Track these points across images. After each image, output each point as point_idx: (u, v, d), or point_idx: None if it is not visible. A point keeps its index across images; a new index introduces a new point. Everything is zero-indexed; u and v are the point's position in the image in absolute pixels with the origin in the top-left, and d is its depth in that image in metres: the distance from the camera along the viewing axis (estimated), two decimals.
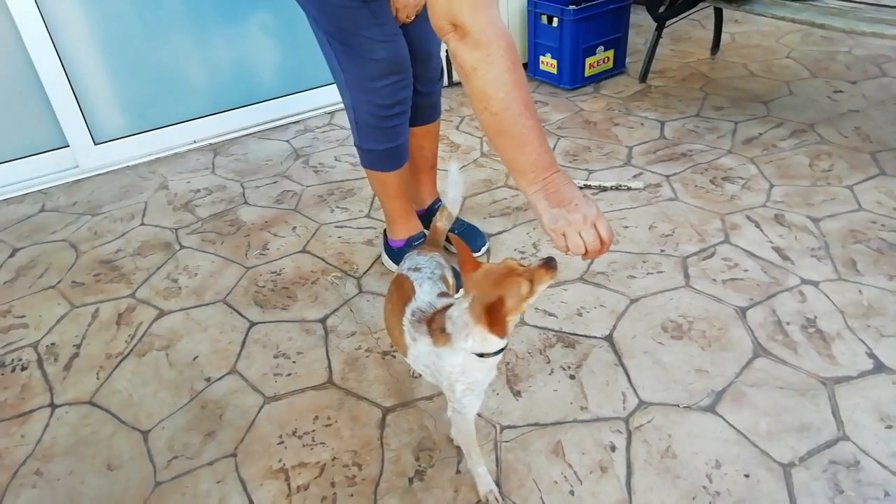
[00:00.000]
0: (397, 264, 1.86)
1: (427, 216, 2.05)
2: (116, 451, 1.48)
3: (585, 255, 1.08)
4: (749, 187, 2.29)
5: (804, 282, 1.84)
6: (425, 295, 1.20)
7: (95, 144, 2.68)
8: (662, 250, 2.00)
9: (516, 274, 1.03)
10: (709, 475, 1.34)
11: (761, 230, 2.06)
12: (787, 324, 1.70)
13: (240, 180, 2.58)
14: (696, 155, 2.53)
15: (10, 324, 1.89)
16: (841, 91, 2.96)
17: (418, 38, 1.68)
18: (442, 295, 1.22)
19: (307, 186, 2.49)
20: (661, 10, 3.09)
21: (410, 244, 1.90)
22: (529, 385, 1.58)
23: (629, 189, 2.33)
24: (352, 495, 1.35)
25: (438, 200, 2.08)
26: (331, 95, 3.08)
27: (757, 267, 1.91)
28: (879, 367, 1.55)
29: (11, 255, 2.20)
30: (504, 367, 1.63)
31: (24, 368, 1.72)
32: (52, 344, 1.80)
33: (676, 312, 1.76)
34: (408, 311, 1.19)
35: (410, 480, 1.38)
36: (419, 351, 1.16)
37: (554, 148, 2.63)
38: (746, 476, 1.34)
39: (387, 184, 1.83)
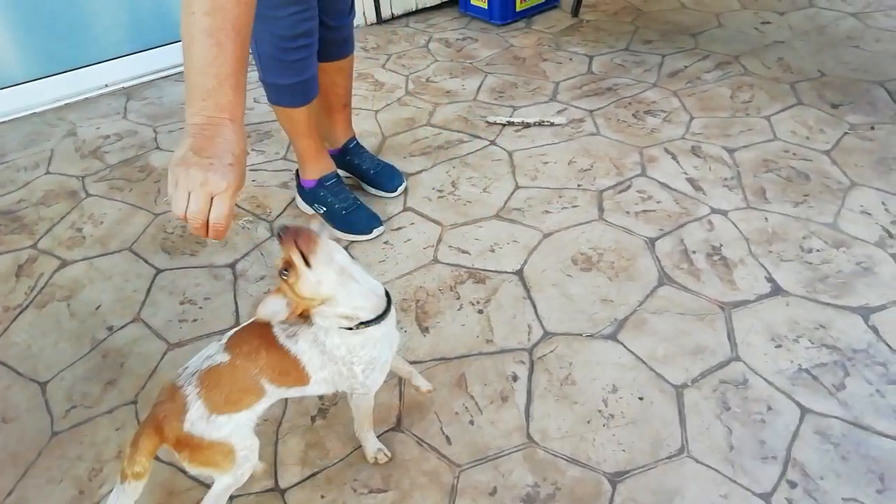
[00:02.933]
0: (310, 205, 1.83)
1: (341, 156, 2.01)
2: (12, 403, 1.44)
3: (184, 219, 0.87)
4: (670, 120, 2.29)
5: (714, 211, 1.86)
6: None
7: None
8: (579, 185, 2.00)
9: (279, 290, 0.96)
10: (605, 399, 1.38)
11: (677, 162, 2.08)
12: (694, 252, 1.73)
13: (152, 125, 2.47)
14: (622, 89, 2.51)
15: None
16: (769, 22, 2.96)
17: None
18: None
19: None
20: None
21: (322, 184, 1.85)
22: (438, 321, 1.58)
23: (552, 125, 2.31)
24: None
25: (353, 140, 2.01)
26: None
27: (670, 198, 1.93)
28: (776, 291, 1.60)
29: None
30: (413, 305, 1.62)
31: None
32: None
33: (588, 245, 1.77)
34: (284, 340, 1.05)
35: (313, 419, 1.38)
36: (307, 352, 1.04)
37: (480, 86, 2.58)
38: (640, 399, 1.37)
39: (295, 120, 1.74)
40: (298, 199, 1.94)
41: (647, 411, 1.35)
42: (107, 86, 2.75)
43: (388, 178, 1.99)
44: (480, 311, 1.60)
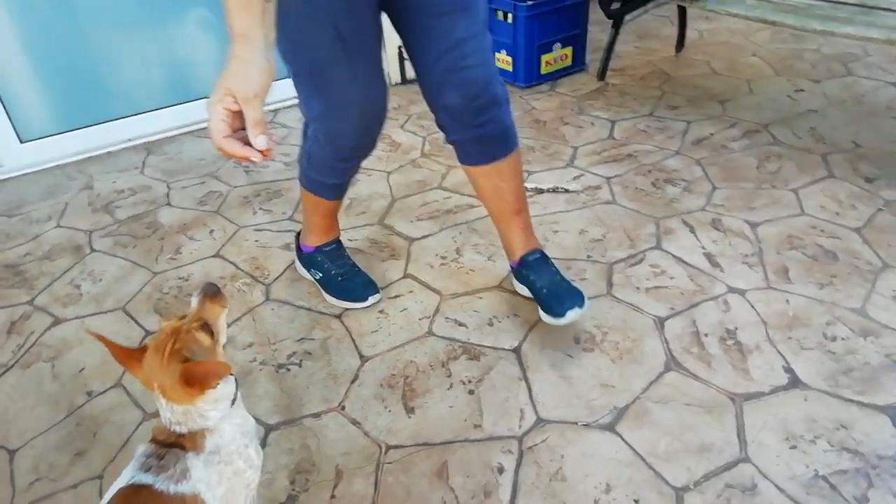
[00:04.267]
0: (307, 270, 1.78)
1: (519, 269, 1.68)
2: None
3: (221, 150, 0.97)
4: (690, 190, 2.20)
5: (731, 290, 1.75)
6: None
7: (21, 143, 2.59)
8: (589, 256, 1.91)
9: (182, 332, 0.88)
10: (597, 500, 1.25)
11: (695, 235, 1.97)
12: (706, 335, 1.61)
13: (167, 180, 2.49)
14: (642, 156, 2.43)
15: None
16: (802, 90, 2.87)
17: (447, 60, 1.31)
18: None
19: (234, 187, 2.40)
20: (615, 5, 3.00)
21: (321, 250, 1.80)
22: (425, 401, 1.49)
23: (566, 191, 2.24)
24: None
25: (535, 252, 1.64)
26: (277, 93, 2.98)
27: (684, 274, 1.82)
28: (794, 383, 1.46)
29: None
30: (402, 381, 1.54)
31: None
32: None
33: (592, 322, 1.67)
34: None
35: None
36: (204, 478, 0.90)
37: None
38: (636, 501, 1.25)
39: (319, 206, 1.71)
40: (297, 263, 1.89)
41: None
42: (129, 140, 2.80)
43: (558, 300, 1.54)
44: (471, 392, 1.50)
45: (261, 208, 2.26)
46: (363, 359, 1.61)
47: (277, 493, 1.31)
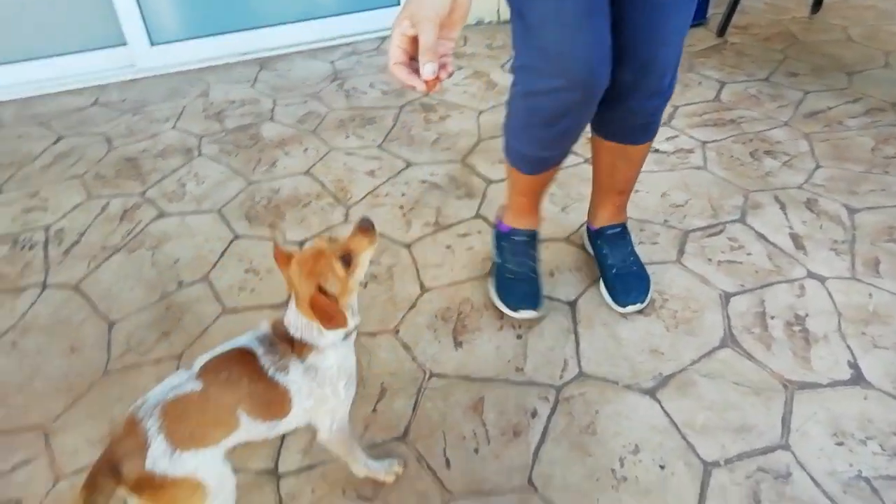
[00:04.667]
0: (497, 250, 1.68)
1: (594, 237, 1.67)
2: (82, 336, 1.61)
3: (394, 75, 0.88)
4: (791, 165, 2.07)
5: (810, 275, 1.67)
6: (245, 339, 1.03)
7: (152, 45, 2.79)
8: (666, 221, 1.87)
9: (325, 256, 0.95)
10: (622, 459, 1.29)
11: (785, 213, 1.88)
12: (772, 317, 1.56)
13: (273, 96, 2.62)
14: (746, 123, 2.30)
15: (34, 205, 2.05)
16: None
17: (639, 34, 1.22)
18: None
19: (333, 109, 2.50)
20: None
21: (510, 236, 1.64)
22: (474, 338, 1.55)
23: (656, 151, 2.17)
24: None
25: (618, 227, 1.64)
26: (385, 20, 3.03)
27: (763, 252, 1.75)
28: (857, 380, 1.41)
29: (55, 143, 2.37)
30: (455, 316, 1.61)
31: (31, 248, 1.88)
32: (61, 229, 1.94)
33: (655, 288, 1.65)
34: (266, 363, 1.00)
35: None
36: (298, 382, 1.00)
37: None
38: (661, 467, 1.27)
39: (517, 182, 1.53)
40: (492, 239, 1.75)
41: (664, 483, 1.25)
42: (246, 53, 2.94)
43: (624, 288, 1.56)
44: (519, 337, 1.55)
45: (353, 133, 2.35)
46: (423, 289, 1.68)
47: None
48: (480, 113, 2.43)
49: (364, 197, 2.02)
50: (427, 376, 1.46)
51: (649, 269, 1.69)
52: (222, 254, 1.83)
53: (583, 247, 1.79)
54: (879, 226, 1.81)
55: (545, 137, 1.34)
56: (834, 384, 1.40)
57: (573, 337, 1.54)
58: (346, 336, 1.03)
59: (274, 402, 1.00)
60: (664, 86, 1.32)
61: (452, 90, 2.58)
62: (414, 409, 1.40)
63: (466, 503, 1.23)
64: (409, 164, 2.16)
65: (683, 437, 1.32)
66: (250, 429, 0.99)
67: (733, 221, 1.86)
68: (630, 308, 1.56)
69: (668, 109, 2.36)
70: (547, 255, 1.77)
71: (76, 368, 1.52)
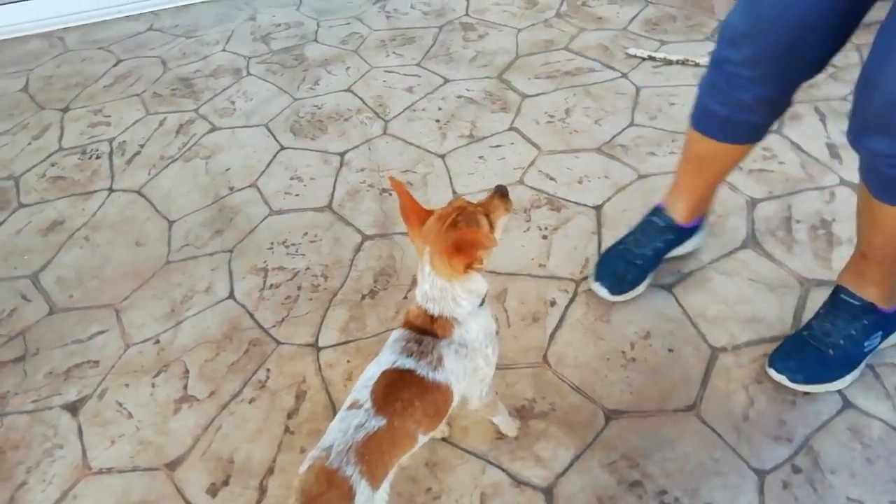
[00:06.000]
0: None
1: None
2: (146, 232, 1.77)
3: None
4: (836, 77, 2.03)
5: (843, 182, 1.68)
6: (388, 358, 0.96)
7: None
8: None
9: (469, 209, 0.93)
10: (633, 343, 1.37)
11: (823, 124, 1.86)
12: (798, 222, 1.59)
13: (317, 18, 2.69)
14: None
15: (99, 121, 2.22)
16: None
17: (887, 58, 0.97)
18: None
19: (374, 30, 2.56)
20: None
21: (649, 213, 1.49)
22: (502, 238, 1.62)
23: (696, 65, 2.16)
24: (311, 299, 1.54)
25: (854, 299, 1.26)
26: None
27: (796, 161, 1.76)
28: None
29: (115, 65, 2.52)
30: None
31: (97, 157, 2.05)
32: (123, 142, 2.10)
33: None
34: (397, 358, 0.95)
35: (363, 297, 1.54)
36: (454, 369, 0.96)
37: (637, 15, 2.45)
38: (670, 350, 1.35)
39: (691, 143, 1.37)
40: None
41: (671, 364, 1.33)
42: None
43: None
44: (545, 237, 1.63)
45: (394, 52, 2.41)
46: (455, 195, 1.77)
47: (363, 286, 1.56)
48: (519, 31, 2.44)
49: (402, 112, 2.10)
50: None
51: None
52: (269, 163, 1.95)
53: (613, 156, 1.83)
54: None
55: (732, 100, 1.21)
56: None
57: (596, 238, 1.61)
58: (482, 303, 0.99)
59: (441, 404, 0.97)
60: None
61: (493, 9, 2.59)
62: None
63: None
64: (446, 81, 2.21)
65: (694, 326, 1.39)
66: (420, 444, 0.97)
67: (769, 132, 1.85)
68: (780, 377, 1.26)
69: (711, 24, 2.33)
70: (576, 164, 1.83)
71: (141, 259, 1.69)
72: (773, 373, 1.26)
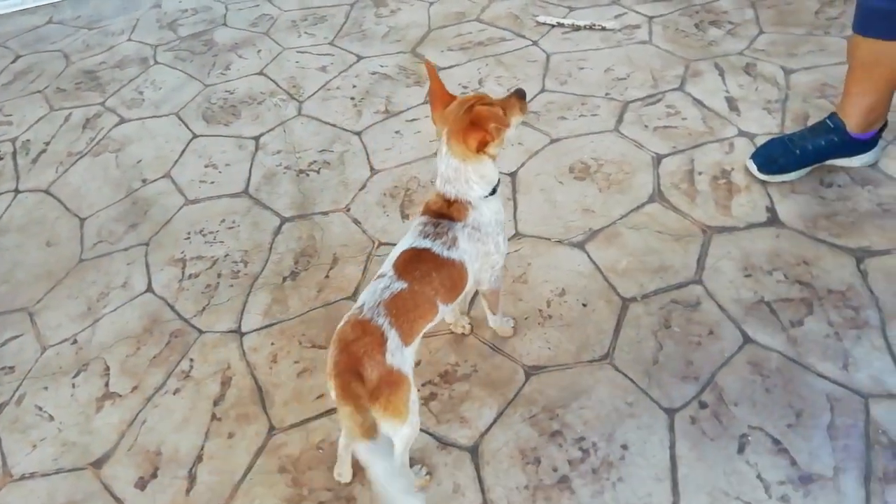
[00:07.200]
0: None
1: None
2: (57, 232, 1.72)
3: None
4: (734, 33, 2.11)
5: (741, 134, 1.76)
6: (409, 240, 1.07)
7: None
8: (607, 94, 1.94)
9: (488, 98, 1.01)
10: (549, 300, 1.42)
11: (723, 79, 1.94)
12: (699, 173, 1.66)
13: (226, 2, 2.63)
14: None
15: None
16: None
17: None
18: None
19: (285, 11, 2.51)
20: None
21: (834, 115, 1.55)
22: (418, 211, 1.65)
23: (602, 29, 2.21)
24: (231, 286, 1.53)
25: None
26: None
27: (698, 116, 1.83)
28: (772, 221, 1.52)
29: (13, 61, 2.41)
30: (402, 193, 1.71)
31: (0, 159, 1.97)
32: (27, 140, 2.03)
33: (591, 155, 1.75)
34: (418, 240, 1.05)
35: (284, 279, 1.54)
36: (467, 249, 1.06)
37: None
38: (584, 305, 1.40)
39: (854, 50, 1.43)
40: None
41: (586, 317, 1.38)
42: None
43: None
44: None
45: (306, 32, 2.38)
46: (373, 171, 1.78)
47: (283, 269, 1.56)
48: (431, 5, 2.45)
49: (316, 92, 2.09)
50: (376, 245, 1.58)
51: (587, 139, 1.77)
52: (182, 152, 1.92)
53: (525, 123, 1.86)
54: (813, 84, 1.88)
55: None
56: (750, 227, 1.51)
57: (511, 203, 1.65)
58: (494, 191, 1.08)
59: (457, 279, 1.06)
60: None
61: None
62: (363, 273, 1.52)
63: None
64: (360, 58, 2.21)
65: (606, 280, 1.45)
66: (442, 313, 1.06)
67: (672, 90, 1.93)
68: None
69: None
70: None
71: (53, 259, 1.64)
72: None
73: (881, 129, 1.56)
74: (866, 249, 1.43)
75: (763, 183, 1.60)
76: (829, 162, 1.60)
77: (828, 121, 1.57)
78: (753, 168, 1.61)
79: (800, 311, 1.34)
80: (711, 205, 1.58)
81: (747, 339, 1.31)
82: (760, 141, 1.72)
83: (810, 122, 1.74)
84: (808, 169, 1.59)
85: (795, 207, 1.54)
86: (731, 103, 1.85)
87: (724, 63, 2.00)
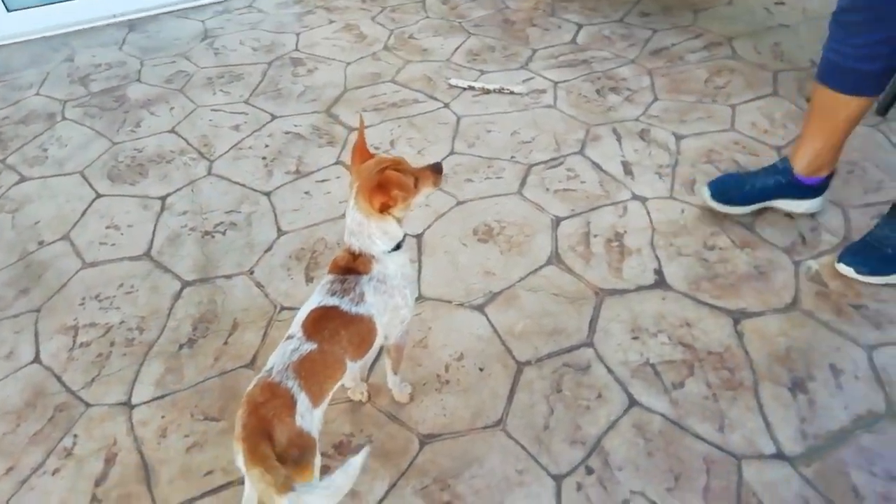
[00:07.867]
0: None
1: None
2: None
3: None
4: (632, 100, 2.24)
5: (634, 197, 1.85)
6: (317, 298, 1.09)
7: (8, 11, 2.72)
8: (513, 157, 2.02)
9: (404, 164, 1.07)
10: (448, 365, 1.44)
11: (619, 144, 2.05)
12: (595, 236, 1.74)
13: (141, 57, 2.61)
14: (597, 62, 2.46)
15: None
16: (783, 3, 2.79)
17: None
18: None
19: (201, 68, 2.52)
20: None
21: (784, 159, 1.69)
22: (325, 272, 1.66)
23: (511, 93, 2.31)
24: (124, 354, 1.49)
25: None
26: None
27: (596, 179, 1.92)
28: (659, 284, 1.60)
29: None
30: (308, 255, 1.72)
31: None
32: None
33: (494, 217, 1.80)
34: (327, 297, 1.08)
35: (181, 346, 1.51)
36: (374, 303, 1.09)
37: (459, 47, 2.58)
38: (481, 369, 1.43)
39: (813, 96, 1.57)
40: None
41: (482, 382, 1.41)
42: (114, 16, 2.89)
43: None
44: None
45: (221, 90, 2.38)
46: (280, 232, 1.78)
47: (180, 335, 1.53)
48: (348, 65, 2.50)
49: (228, 151, 2.09)
50: (277, 310, 1.57)
51: (492, 202, 1.84)
52: (84, 213, 1.87)
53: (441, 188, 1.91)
54: (700, 150, 2.01)
55: (874, 49, 1.40)
56: (639, 289, 1.59)
57: (417, 265, 1.68)
58: (397, 246, 1.11)
59: (365, 334, 1.09)
60: None
61: (322, 44, 2.64)
62: (263, 339, 1.51)
63: None
64: (274, 117, 2.22)
65: (503, 343, 1.48)
66: (350, 371, 1.08)
67: (573, 154, 2.02)
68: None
69: (526, 53, 2.50)
70: None
71: None
72: (842, 266, 1.56)
73: (828, 178, 1.68)
74: (743, 311, 1.52)
75: (654, 246, 1.69)
76: (774, 204, 1.73)
77: (777, 163, 1.71)
78: (707, 195, 1.72)
79: (681, 373, 1.41)
80: (605, 267, 1.65)
81: (633, 402, 1.36)
82: (652, 205, 1.82)
83: (696, 187, 1.86)
84: (755, 206, 1.73)
85: (680, 270, 1.63)
86: (627, 167, 1.96)
87: (621, 128, 2.11)
